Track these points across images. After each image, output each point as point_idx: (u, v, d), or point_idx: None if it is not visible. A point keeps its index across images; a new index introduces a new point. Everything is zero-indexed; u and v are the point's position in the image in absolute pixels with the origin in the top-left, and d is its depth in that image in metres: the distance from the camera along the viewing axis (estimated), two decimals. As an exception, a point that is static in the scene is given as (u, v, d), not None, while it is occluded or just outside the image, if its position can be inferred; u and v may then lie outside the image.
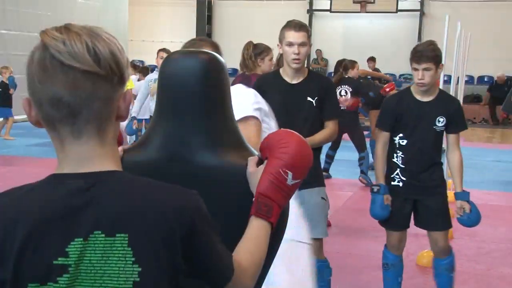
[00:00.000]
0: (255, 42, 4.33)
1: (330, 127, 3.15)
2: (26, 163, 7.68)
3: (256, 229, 1.16)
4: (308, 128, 3.02)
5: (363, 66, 11.32)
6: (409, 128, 3.19)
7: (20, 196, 1.01)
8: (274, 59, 4.64)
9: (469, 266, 4.38)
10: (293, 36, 3.07)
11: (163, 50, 6.28)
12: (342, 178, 7.12)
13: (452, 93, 5.41)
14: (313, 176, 2.90)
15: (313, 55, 16.86)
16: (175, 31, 17.62)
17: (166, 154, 1.30)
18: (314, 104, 3.11)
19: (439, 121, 3.16)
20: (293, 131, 1.28)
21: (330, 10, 16.97)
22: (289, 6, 17.32)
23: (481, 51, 14.38)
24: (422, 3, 16.53)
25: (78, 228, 0.96)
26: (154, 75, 6.48)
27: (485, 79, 15.88)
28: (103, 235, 0.96)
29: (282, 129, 1.32)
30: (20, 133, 10.34)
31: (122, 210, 0.97)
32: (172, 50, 1.41)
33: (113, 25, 15.75)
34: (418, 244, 4.80)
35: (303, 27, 3.13)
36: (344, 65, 7.10)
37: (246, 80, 3.80)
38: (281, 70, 3.24)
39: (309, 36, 3.13)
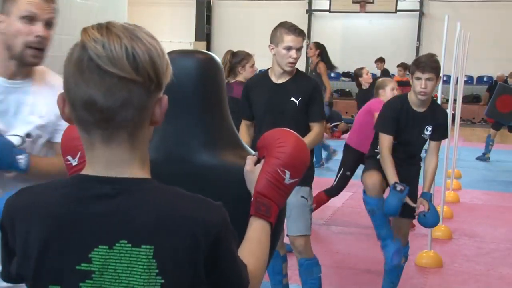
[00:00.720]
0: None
1: (315, 130, 3.11)
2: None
3: (257, 231, 1.16)
4: (293, 129, 2.86)
5: (370, 67, 11.30)
6: (400, 133, 3.37)
7: (47, 195, 1.00)
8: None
9: (468, 266, 4.38)
10: (294, 40, 3.07)
11: None
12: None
13: (451, 93, 5.40)
14: None
15: (313, 55, 16.85)
16: (175, 31, 17.61)
17: (164, 154, 1.30)
18: (297, 105, 3.10)
19: (427, 130, 3.39)
20: (290, 130, 1.28)
21: (329, 10, 16.96)
22: (289, 6, 17.32)
23: (480, 51, 14.38)
24: (421, 3, 16.53)
25: (102, 235, 0.95)
26: None
27: (485, 79, 15.88)
28: (129, 245, 0.94)
29: (279, 128, 1.31)
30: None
31: (149, 220, 0.95)
32: (171, 50, 1.41)
33: (112, 25, 15.77)
34: (417, 245, 4.79)
35: (302, 32, 3.17)
36: (354, 73, 7.14)
37: (228, 88, 3.84)
38: (269, 70, 3.26)
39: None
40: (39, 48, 1.86)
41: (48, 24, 1.89)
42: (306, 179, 3.17)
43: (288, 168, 1.20)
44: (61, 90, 0.99)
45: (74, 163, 1.27)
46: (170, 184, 1.02)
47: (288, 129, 1.29)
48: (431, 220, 3.44)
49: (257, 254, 1.13)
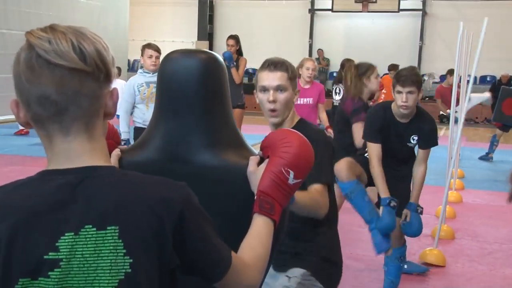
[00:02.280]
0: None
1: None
2: (27, 163, 7.67)
3: (260, 226, 1.16)
4: None
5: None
6: (384, 141, 3.34)
7: (10, 191, 1.02)
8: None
9: (471, 266, 4.37)
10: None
11: (149, 46, 5.17)
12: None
13: (454, 92, 5.39)
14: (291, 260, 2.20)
15: (315, 55, 16.85)
16: (177, 31, 17.62)
17: (167, 154, 1.30)
18: None
19: (413, 139, 3.36)
20: (295, 131, 1.28)
21: (331, 10, 16.95)
22: (291, 5, 17.31)
23: (483, 51, 14.36)
24: (424, 3, 16.51)
25: (68, 222, 0.96)
26: (140, 78, 5.05)
27: (487, 79, 15.85)
28: (94, 229, 0.96)
29: (283, 128, 1.31)
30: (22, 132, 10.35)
31: (112, 203, 0.97)
32: (173, 50, 1.41)
33: (114, 25, 15.77)
34: (419, 244, 4.78)
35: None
36: (341, 64, 7.12)
37: (363, 106, 4.05)
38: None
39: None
40: None
41: None
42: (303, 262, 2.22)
43: (292, 168, 1.20)
44: None
45: None
46: None
47: (293, 129, 1.30)
48: (410, 231, 3.47)
49: (255, 247, 1.13)
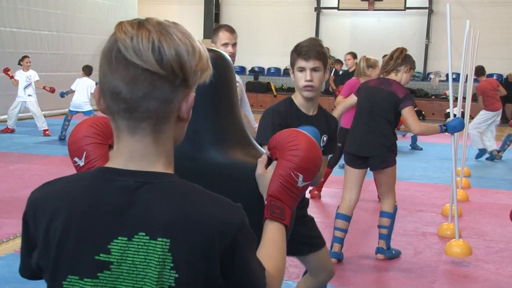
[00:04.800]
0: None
1: None
2: (34, 161, 7.71)
3: (274, 233, 1.17)
4: None
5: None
6: None
7: (69, 186, 1.02)
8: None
9: (477, 265, 4.36)
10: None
11: None
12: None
13: (460, 91, 5.37)
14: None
15: (321, 53, 16.81)
16: (183, 29, 17.63)
17: (174, 151, 1.30)
18: None
19: (323, 141, 2.59)
20: (302, 131, 1.28)
21: (337, 8, 16.92)
22: (297, 4, 17.29)
23: (490, 49, 14.30)
24: (430, 1, 16.46)
25: (122, 226, 0.96)
26: None
27: (494, 77, 15.78)
28: (147, 238, 0.95)
29: (291, 128, 1.31)
30: (28, 130, 10.38)
31: (167, 215, 0.95)
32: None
33: (121, 23, 15.79)
34: (426, 243, 4.78)
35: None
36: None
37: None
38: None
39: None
40: None
41: None
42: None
43: (301, 172, 1.21)
44: None
45: (81, 163, 1.28)
46: None
47: (300, 130, 1.29)
48: None
49: (275, 256, 1.13)
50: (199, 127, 1.30)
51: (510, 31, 15.53)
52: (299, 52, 2.57)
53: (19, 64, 9.97)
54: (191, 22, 17.81)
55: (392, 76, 4.16)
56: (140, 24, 0.96)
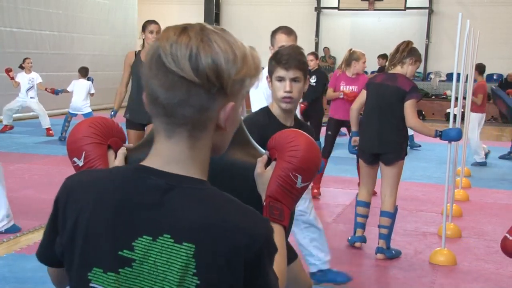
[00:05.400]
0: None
1: None
2: (34, 161, 7.71)
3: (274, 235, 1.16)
4: None
5: (373, 62, 11.27)
6: None
7: (104, 178, 1.03)
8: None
9: (478, 265, 4.36)
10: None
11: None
12: (350, 177, 7.10)
13: (460, 91, 5.37)
14: None
15: (321, 53, 16.82)
16: (183, 29, 17.63)
17: None
18: None
19: None
20: (302, 132, 1.28)
21: (338, 8, 16.92)
22: (297, 4, 17.29)
23: (490, 49, 14.29)
24: (430, 1, 16.45)
25: (148, 226, 0.96)
26: None
27: (494, 77, 15.79)
28: (172, 240, 0.95)
29: (290, 129, 1.31)
30: (29, 130, 10.38)
31: (195, 220, 0.95)
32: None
33: (122, 23, 15.81)
34: (426, 243, 4.78)
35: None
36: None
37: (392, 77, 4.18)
38: None
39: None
40: None
41: None
42: None
43: (300, 172, 1.21)
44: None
45: (80, 164, 1.28)
46: None
47: (299, 130, 1.29)
48: None
49: (279, 261, 1.12)
50: None
51: (510, 31, 15.52)
52: (278, 60, 2.41)
53: (20, 67, 9.95)
54: (191, 22, 17.80)
55: (397, 69, 4.23)
56: (182, 31, 0.97)
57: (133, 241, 0.96)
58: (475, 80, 8.93)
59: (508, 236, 2.44)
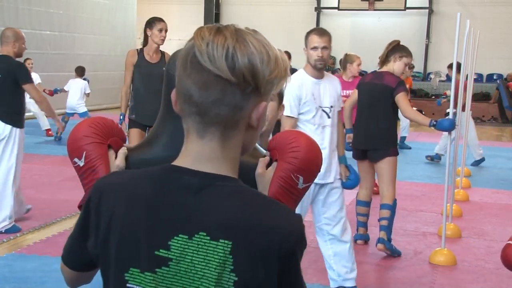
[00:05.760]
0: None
1: None
2: (34, 161, 7.71)
3: None
4: None
5: (374, 63, 11.27)
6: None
7: (137, 179, 1.03)
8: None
9: (478, 265, 4.36)
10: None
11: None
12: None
13: (461, 91, 5.37)
14: None
15: (321, 53, 16.82)
16: (183, 29, 17.60)
17: (174, 152, 1.30)
18: None
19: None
20: (302, 132, 1.29)
21: (338, 8, 16.92)
22: (297, 4, 17.29)
23: (490, 49, 14.30)
24: (430, 1, 16.46)
25: (184, 224, 0.97)
26: None
27: (494, 77, 15.79)
28: (208, 238, 0.95)
29: (291, 129, 1.32)
30: (29, 130, 10.37)
31: (230, 217, 0.96)
32: (181, 48, 1.40)
33: (122, 23, 15.82)
34: (426, 243, 4.78)
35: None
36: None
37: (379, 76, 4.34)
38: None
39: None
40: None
41: None
42: None
43: (301, 173, 1.21)
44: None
45: (81, 164, 1.27)
46: None
47: (300, 130, 1.30)
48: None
49: None
50: None
51: (510, 31, 15.53)
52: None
53: None
54: (191, 22, 17.81)
55: (385, 67, 4.41)
56: (218, 30, 0.98)
57: (169, 240, 0.96)
58: (450, 79, 8.94)
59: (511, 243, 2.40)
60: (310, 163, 1.22)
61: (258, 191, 1.03)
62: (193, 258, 0.95)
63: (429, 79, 16.32)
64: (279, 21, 17.22)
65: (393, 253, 4.37)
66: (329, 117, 3.47)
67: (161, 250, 0.96)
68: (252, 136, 1.04)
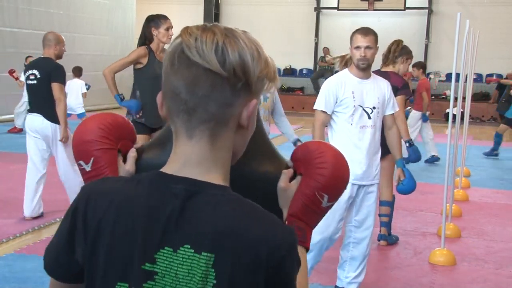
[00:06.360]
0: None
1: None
2: (34, 161, 7.70)
3: None
4: None
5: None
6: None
7: (125, 188, 0.99)
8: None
9: (477, 265, 4.36)
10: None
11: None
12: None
13: (460, 91, 5.37)
14: None
15: (320, 53, 16.83)
16: (183, 29, 17.63)
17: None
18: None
19: None
20: (330, 144, 1.20)
21: (337, 8, 16.93)
22: (297, 4, 17.29)
23: (489, 49, 14.30)
24: (430, 1, 16.46)
25: (169, 236, 0.93)
26: None
27: (494, 77, 15.79)
28: (192, 251, 0.92)
29: (318, 141, 1.25)
30: (29, 131, 10.37)
31: (215, 229, 0.92)
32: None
33: (121, 23, 15.82)
34: (425, 243, 4.78)
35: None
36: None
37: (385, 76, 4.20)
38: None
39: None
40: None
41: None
42: None
43: (326, 192, 1.13)
44: None
45: (88, 169, 1.21)
46: None
47: (327, 142, 1.23)
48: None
49: (301, 282, 1.06)
50: None
51: (510, 31, 15.53)
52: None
53: (25, 65, 10.00)
54: (191, 22, 17.65)
55: (390, 67, 4.42)
56: (206, 27, 0.96)
57: (155, 253, 0.93)
58: (415, 78, 8.92)
59: None
60: (337, 181, 1.15)
61: (248, 200, 0.96)
62: (178, 272, 0.92)
63: (428, 79, 16.31)
64: (279, 21, 17.22)
65: (394, 243, 4.58)
66: (369, 117, 3.35)
67: (147, 264, 0.93)
68: (242, 138, 1.00)
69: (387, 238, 4.45)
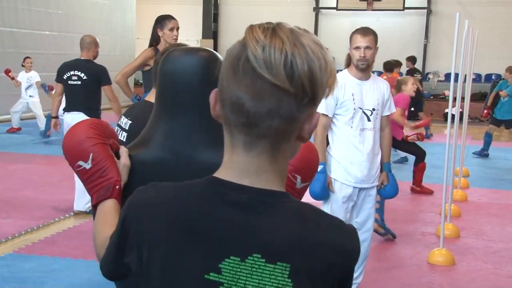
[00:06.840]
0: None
1: None
2: (34, 161, 7.71)
3: None
4: None
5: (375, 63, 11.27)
6: None
7: (179, 194, 0.94)
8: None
9: (476, 265, 4.37)
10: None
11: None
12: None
13: (459, 91, 5.38)
14: None
15: (320, 53, 16.83)
16: (182, 29, 17.49)
17: (171, 153, 1.30)
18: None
19: None
20: None
21: (336, 8, 16.93)
22: (296, 4, 17.30)
23: (488, 49, 14.31)
24: (429, 1, 16.47)
25: (235, 245, 0.88)
26: None
27: (493, 77, 15.80)
28: (263, 260, 0.87)
29: None
30: (28, 130, 10.38)
31: (287, 238, 0.88)
32: (173, 48, 1.41)
33: (121, 23, 15.81)
34: (424, 243, 4.79)
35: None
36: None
37: None
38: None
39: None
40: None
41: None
42: None
43: (299, 173, 1.19)
44: None
45: (88, 166, 1.23)
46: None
47: None
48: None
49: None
50: (194, 128, 1.29)
51: (510, 31, 15.54)
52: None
53: (22, 66, 10.03)
54: (190, 22, 17.81)
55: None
56: (273, 32, 0.88)
57: (220, 262, 0.88)
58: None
59: None
60: (308, 162, 1.21)
61: (309, 203, 0.93)
62: (247, 283, 0.87)
63: (427, 79, 16.32)
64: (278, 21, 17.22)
65: (387, 233, 4.63)
66: (369, 120, 3.31)
67: (211, 274, 0.88)
68: (298, 147, 0.96)
69: (378, 222, 4.47)
